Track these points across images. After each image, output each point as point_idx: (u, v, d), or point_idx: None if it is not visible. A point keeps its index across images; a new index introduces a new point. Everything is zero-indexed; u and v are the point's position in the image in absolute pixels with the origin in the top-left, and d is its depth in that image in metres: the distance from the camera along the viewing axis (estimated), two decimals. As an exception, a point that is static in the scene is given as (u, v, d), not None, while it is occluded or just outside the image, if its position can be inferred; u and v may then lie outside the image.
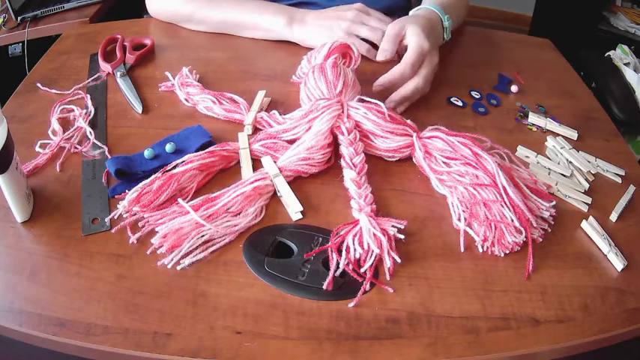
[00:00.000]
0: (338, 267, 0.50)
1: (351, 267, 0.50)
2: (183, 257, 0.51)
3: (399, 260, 0.51)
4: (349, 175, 0.59)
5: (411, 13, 0.81)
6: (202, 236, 0.52)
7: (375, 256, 0.51)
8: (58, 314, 0.47)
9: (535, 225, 0.55)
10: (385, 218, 0.54)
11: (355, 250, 0.51)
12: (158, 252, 0.52)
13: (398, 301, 0.49)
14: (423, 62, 0.71)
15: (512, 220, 0.54)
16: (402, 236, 0.53)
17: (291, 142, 0.63)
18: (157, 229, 0.53)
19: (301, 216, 0.56)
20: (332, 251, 0.51)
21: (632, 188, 0.63)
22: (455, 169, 0.59)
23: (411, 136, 0.62)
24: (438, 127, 0.63)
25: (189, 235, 0.52)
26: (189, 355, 0.44)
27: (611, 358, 0.58)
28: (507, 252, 0.54)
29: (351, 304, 0.48)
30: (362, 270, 0.50)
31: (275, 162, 0.60)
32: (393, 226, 0.53)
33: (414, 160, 0.63)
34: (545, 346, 0.47)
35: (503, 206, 0.55)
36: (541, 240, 0.56)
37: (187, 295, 0.49)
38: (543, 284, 0.52)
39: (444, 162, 0.60)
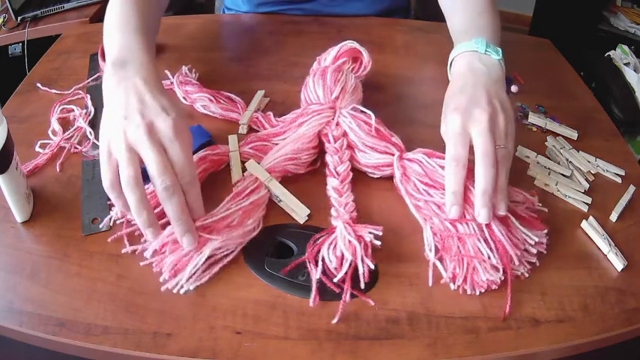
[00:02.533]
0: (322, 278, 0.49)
1: (340, 277, 0.49)
2: (188, 280, 0.49)
3: (372, 267, 0.49)
4: (331, 184, 0.58)
5: (449, 64, 0.65)
6: (203, 255, 0.49)
7: (350, 264, 0.49)
8: (58, 314, 0.47)
9: (517, 263, 0.51)
10: (362, 225, 0.52)
11: (330, 261, 0.49)
12: (161, 276, 0.50)
13: (398, 301, 0.49)
14: (473, 130, 0.52)
15: (489, 257, 0.50)
16: (378, 242, 0.51)
17: None
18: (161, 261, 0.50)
19: (307, 219, 0.56)
20: (309, 262, 0.50)
21: (632, 188, 0.63)
22: (435, 199, 0.54)
23: (393, 155, 0.59)
24: (424, 149, 0.58)
25: (191, 256, 0.49)
26: (189, 355, 0.44)
27: (611, 358, 0.58)
28: (482, 290, 0.50)
29: (335, 320, 0.47)
30: (334, 280, 0.49)
31: (259, 163, 0.59)
32: (370, 232, 0.51)
33: (394, 180, 0.59)
34: (545, 346, 0.47)
35: (479, 240, 0.50)
36: (527, 276, 0.52)
37: (187, 295, 0.49)
38: (543, 284, 0.52)
39: (424, 189, 0.55)
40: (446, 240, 0.52)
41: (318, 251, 0.51)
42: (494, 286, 0.50)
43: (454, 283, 0.50)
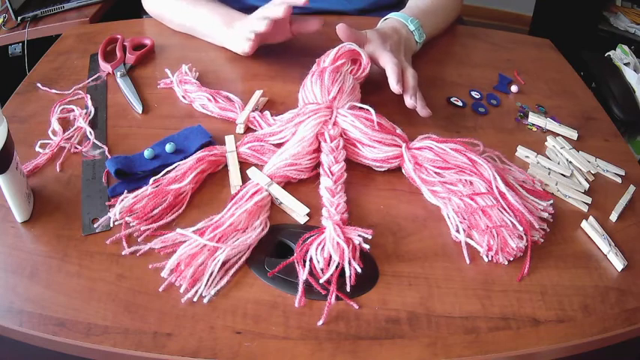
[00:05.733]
0: (310, 280, 0.49)
1: (325, 279, 0.49)
2: (208, 288, 0.49)
3: (359, 270, 0.49)
4: (325, 184, 0.57)
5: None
6: (217, 261, 0.50)
7: (337, 266, 0.49)
8: (58, 314, 0.47)
9: (537, 227, 0.55)
10: (352, 227, 0.52)
11: (318, 261, 0.49)
12: (181, 288, 0.50)
13: (398, 301, 0.49)
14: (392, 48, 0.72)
15: (514, 225, 0.53)
16: (367, 246, 0.51)
17: (279, 145, 0.62)
18: (163, 258, 0.51)
19: (308, 218, 0.56)
20: (297, 263, 0.50)
21: (632, 188, 0.63)
22: (448, 178, 0.58)
23: (400, 147, 0.61)
24: (429, 135, 0.62)
25: (206, 264, 0.50)
26: (189, 355, 0.44)
27: (611, 358, 0.58)
28: (511, 259, 0.53)
29: (320, 322, 0.47)
30: (320, 281, 0.49)
31: (262, 168, 0.59)
32: (359, 235, 0.51)
33: (403, 171, 0.62)
34: (545, 346, 0.47)
35: (501, 211, 0.54)
36: (542, 241, 0.56)
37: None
38: (543, 284, 0.52)
39: (435, 172, 0.59)
40: (471, 217, 0.55)
41: (307, 251, 0.51)
42: (519, 254, 0.53)
43: (488, 255, 0.53)
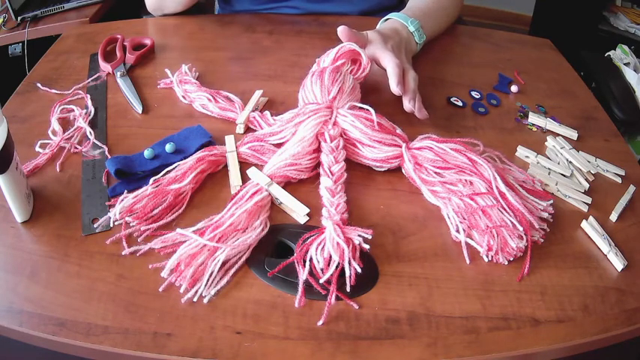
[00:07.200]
0: (311, 280, 0.49)
1: (325, 279, 0.49)
2: (207, 288, 0.49)
3: (359, 270, 0.49)
4: (325, 184, 0.57)
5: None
6: (217, 261, 0.50)
7: (337, 266, 0.49)
8: (58, 314, 0.47)
9: (537, 227, 0.55)
10: (352, 227, 0.52)
11: (318, 261, 0.49)
12: (181, 288, 0.50)
13: (398, 301, 0.49)
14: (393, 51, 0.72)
15: (514, 225, 0.53)
16: (367, 246, 0.51)
17: (279, 145, 0.62)
18: (164, 259, 0.51)
19: (308, 218, 0.56)
20: (298, 263, 0.50)
21: (632, 188, 0.63)
22: (448, 178, 0.58)
23: (400, 147, 0.61)
24: (429, 135, 0.62)
25: (206, 264, 0.50)
26: (189, 355, 0.44)
27: (611, 358, 0.58)
28: (511, 259, 0.53)
29: (320, 322, 0.47)
30: (320, 281, 0.48)
31: (262, 168, 0.60)
32: (359, 235, 0.51)
33: (403, 171, 0.62)
34: (545, 346, 0.47)
35: (502, 211, 0.54)
36: (542, 241, 0.56)
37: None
38: (543, 284, 0.52)
39: (435, 172, 0.59)
40: (471, 217, 0.55)
41: (307, 251, 0.51)
42: (519, 254, 0.53)
43: (488, 255, 0.53)
